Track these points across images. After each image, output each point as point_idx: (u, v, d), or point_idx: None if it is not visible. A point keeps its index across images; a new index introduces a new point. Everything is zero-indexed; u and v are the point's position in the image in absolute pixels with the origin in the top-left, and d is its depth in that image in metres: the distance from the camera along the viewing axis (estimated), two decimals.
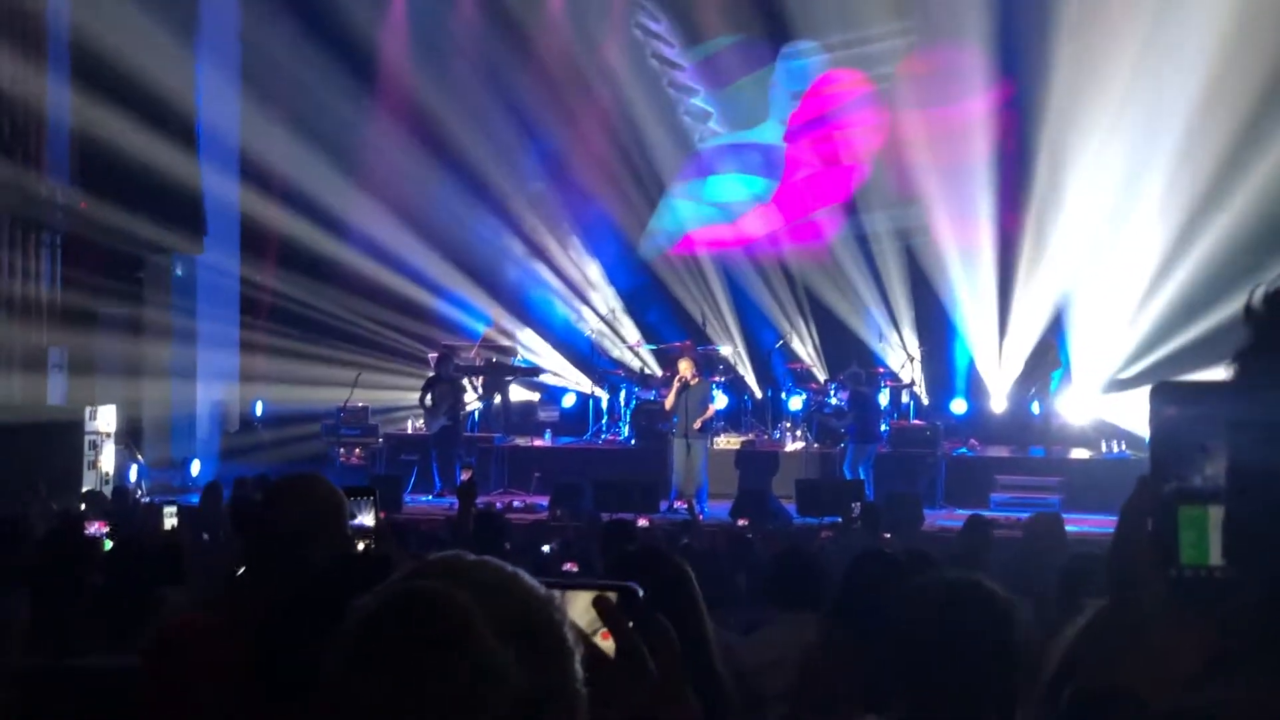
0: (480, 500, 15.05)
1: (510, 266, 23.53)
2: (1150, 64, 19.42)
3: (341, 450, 20.47)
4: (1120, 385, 19.78)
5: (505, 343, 22.67)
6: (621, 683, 1.79)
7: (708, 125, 23.56)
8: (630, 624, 1.82)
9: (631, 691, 1.79)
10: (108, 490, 17.28)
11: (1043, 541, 9.76)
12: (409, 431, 21.40)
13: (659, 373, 21.70)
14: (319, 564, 3.32)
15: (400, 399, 21.79)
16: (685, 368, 17.74)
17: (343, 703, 1.62)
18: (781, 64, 23.14)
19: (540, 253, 23.47)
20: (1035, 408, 20.11)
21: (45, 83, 19.49)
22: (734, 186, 23.45)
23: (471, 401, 20.81)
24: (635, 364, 22.49)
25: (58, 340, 19.75)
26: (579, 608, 1.82)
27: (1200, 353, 18.68)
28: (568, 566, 9.83)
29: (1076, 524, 11.70)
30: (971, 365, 21.41)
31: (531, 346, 23.10)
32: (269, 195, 22.42)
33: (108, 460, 18.30)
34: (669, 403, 17.93)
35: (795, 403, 20.58)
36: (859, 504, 13.87)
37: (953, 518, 16.96)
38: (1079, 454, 19.15)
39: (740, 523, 15.03)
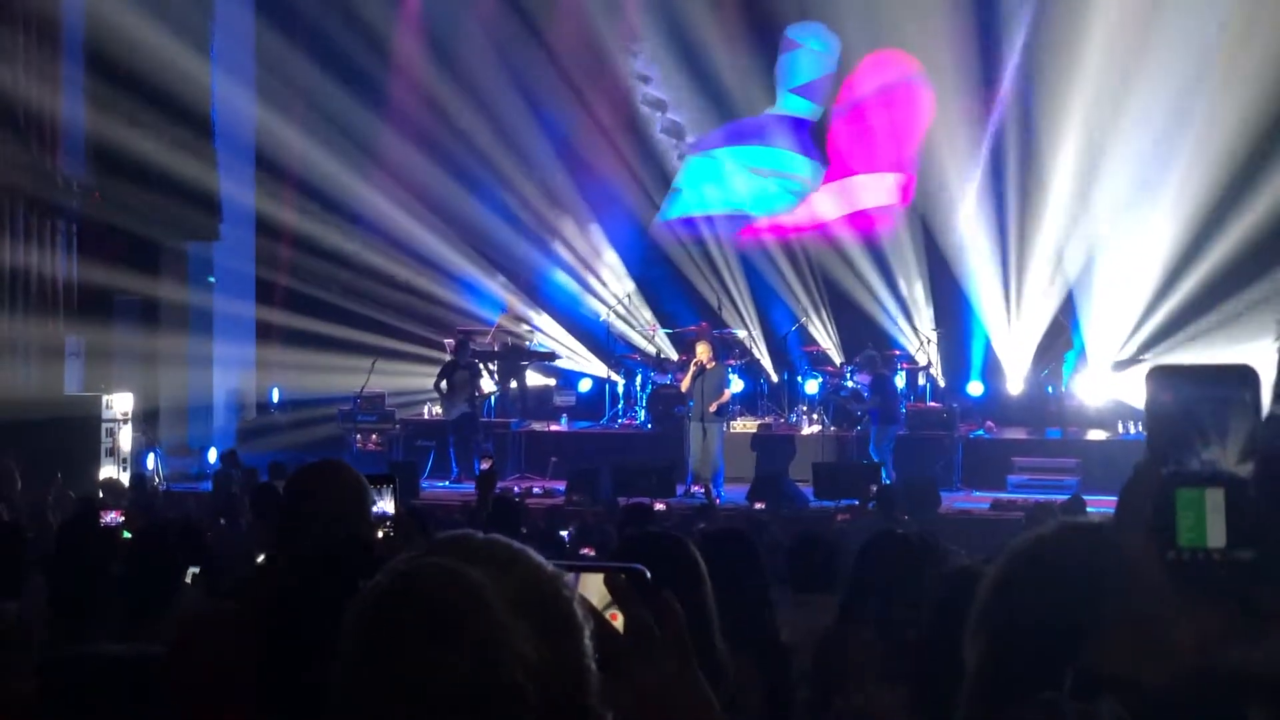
0: (497, 485, 15.13)
1: (525, 252, 23.52)
2: (1173, 43, 19.36)
3: (358, 436, 20.53)
4: (1137, 365, 19.75)
5: (521, 328, 22.70)
6: (630, 658, 1.82)
7: (685, 142, 23.61)
8: (638, 601, 1.86)
9: (640, 666, 1.83)
10: (125, 477, 17.38)
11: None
12: (425, 417, 21.44)
13: (675, 357, 21.70)
14: (342, 550, 3.37)
15: (416, 385, 21.82)
16: (702, 351, 17.75)
17: (359, 678, 1.65)
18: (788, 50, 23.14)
19: (555, 238, 23.46)
20: (1051, 389, 20.10)
21: (60, 71, 19.55)
22: (786, 160, 23.38)
23: (489, 387, 20.83)
24: (651, 348, 22.49)
25: (74, 328, 19.83)
26: (590, 589, 1.86)
27: (1216, 333, 18.71)
28: (585, 551, 9.87)
29: (1096, 505, 11.69)
30: (988, 347, 21.38)
31: (547, 331, 23.12)
32: (284, 182, 22.47)
33: (125, 447, 18.37)
34: (684, 386, 17.95)
35: (812, 386, 20.56)
36: (875, 487, 13.93)
37: (970, 499, 17.02)
38: (1096, 435, 19.14)
39: (757, 506, 15.09)
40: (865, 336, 20.53)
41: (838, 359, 21.45)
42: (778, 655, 4.60)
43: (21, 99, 19.12)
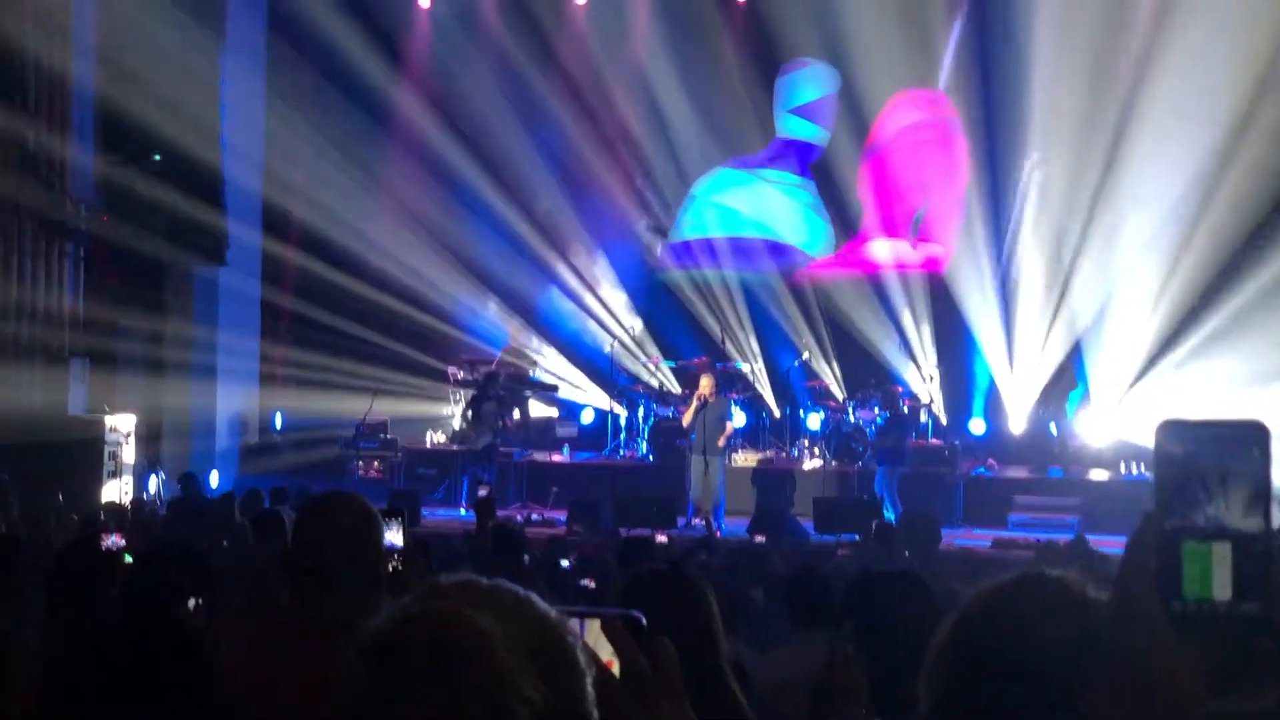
0: (498, 514, 15.12)
1: (530, 283, 23.54)
2: (1173, 82, 19.45)
3: (360, 463, 20.54)
4: (1140, 407, 19.76)
5: (524, 358, 22.72)
6: (626, 703, 1.84)
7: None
8: (634, 647, 1.89)
9: (635, 711, 1.84)
10: (127, 500, 17.37)
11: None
12: (427, 446, 21.46)
13: (677, 390, 21.73)
14: (353, 582, 3.38)
15: (418, 412, 21.87)
16: (705, 385, 17.78)
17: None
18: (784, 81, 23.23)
19: (560, 269, 23.49)
20: (1054, 429, 20.10)
21: (70, 95, 19.61)
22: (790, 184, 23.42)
23: (514, 420, 20.87)
24: (654, 381, 22.51)
25: (79, 350, 19.85)
26: (593, 634, 1.88)
27: (1221, 376, 18.71)
28: (585, 582, 9.86)
29: (1097, 544, 11.68)
30: (991, 385, 21.39)
31: (550, 362, 23.13)
32: (291, 209, 22.52)
33: (127, 471, 18.38)
34: (687, 419, 17.95)
35: (814, 421, 20.59)
36: (876, 522, 13.89)
37: (971, 537, 16.98)
38: (1098, 475, 19.12)
39: (758, 539, 15.07)
40: (867, 372, 20.56)
41: (840, 394, 21.45)
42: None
43: (32, 122, 19.19)
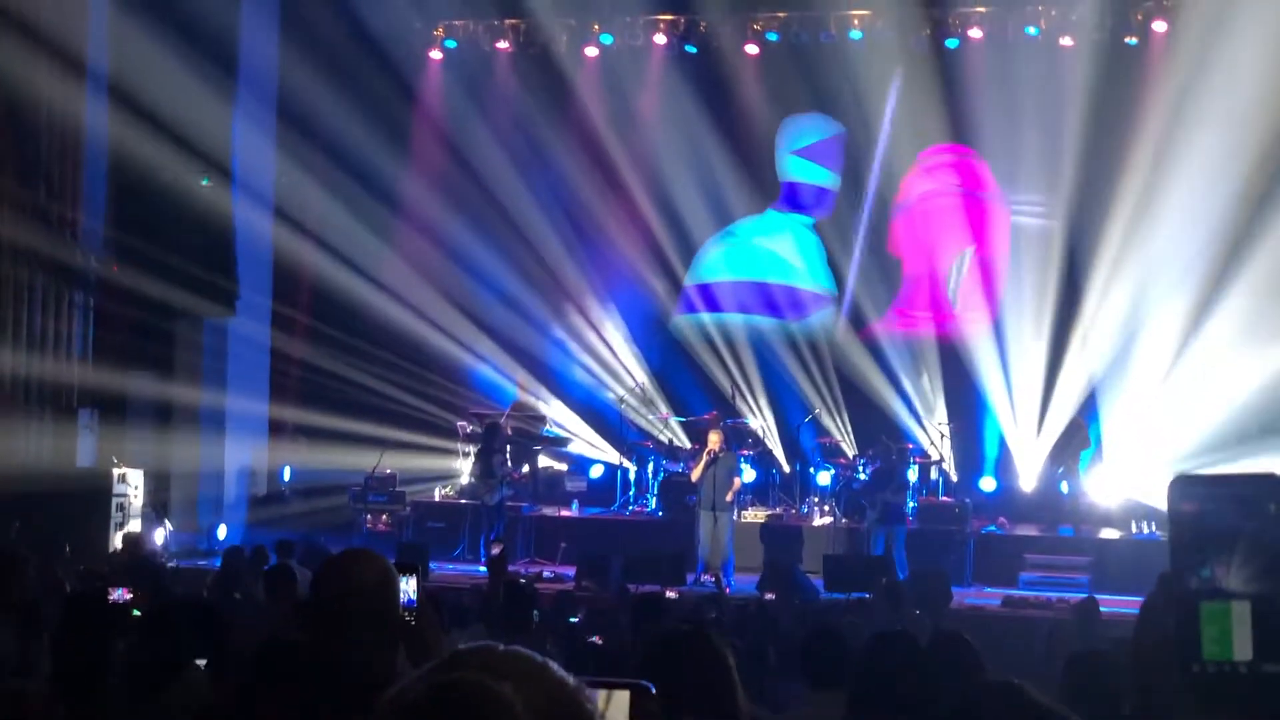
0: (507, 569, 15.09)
1: (539, 338, 23.56)
2: (1186, 141, 19.57)
3: (369, 517, 20.54)
4: (1152, 466, 19.72)
5: (533, 412, 22.71)
6: None
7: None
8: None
9: None
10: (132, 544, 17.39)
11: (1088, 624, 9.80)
12: (436, 499, 21.45)
13: (687, 445, 21.70)
14: (373, 638, 3.39)
15: (428, 466, 21.85)
16: (714, 440, 17.80)
17: None
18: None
19: (570, 324, 23.51)
20: (1064, 487, 20.03)
21: (83, 148, 19.73)
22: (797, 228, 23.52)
23: (524, 473, 20.84)
24: (664, 436, 22.50)
25: (88, 401, 19.89)
26: (610, 702, 1.91)
27: (1231, 435, 18.68)
28: (594, 639, 9.83)
29: (1108, 605, 11.67)
30: (1002, 443, 21.35)
31: (559, 417, 23.13)
32: (302, 260, 22.59)
33: (135, 525, 18.36)
34: (695, 475, 17.96)
35: (824, 478, 20.56)
36: (885, 580, 13.86)
37: (981, 596, 16.94)
38: (1108, 534, 19.06)
39: (768, 596, 15.02)
40: (878, 429, 20.51)
41: (850, 451, 21.41)
42: None
43: (44, 173, 19.31)
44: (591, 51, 23.23)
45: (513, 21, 23.33)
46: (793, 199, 23.41)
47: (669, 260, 23.39)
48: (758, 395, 22.61)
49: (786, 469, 21.83)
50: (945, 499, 20.04)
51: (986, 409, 21.41)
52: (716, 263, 23.59)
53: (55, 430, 19.25)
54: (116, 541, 17.71)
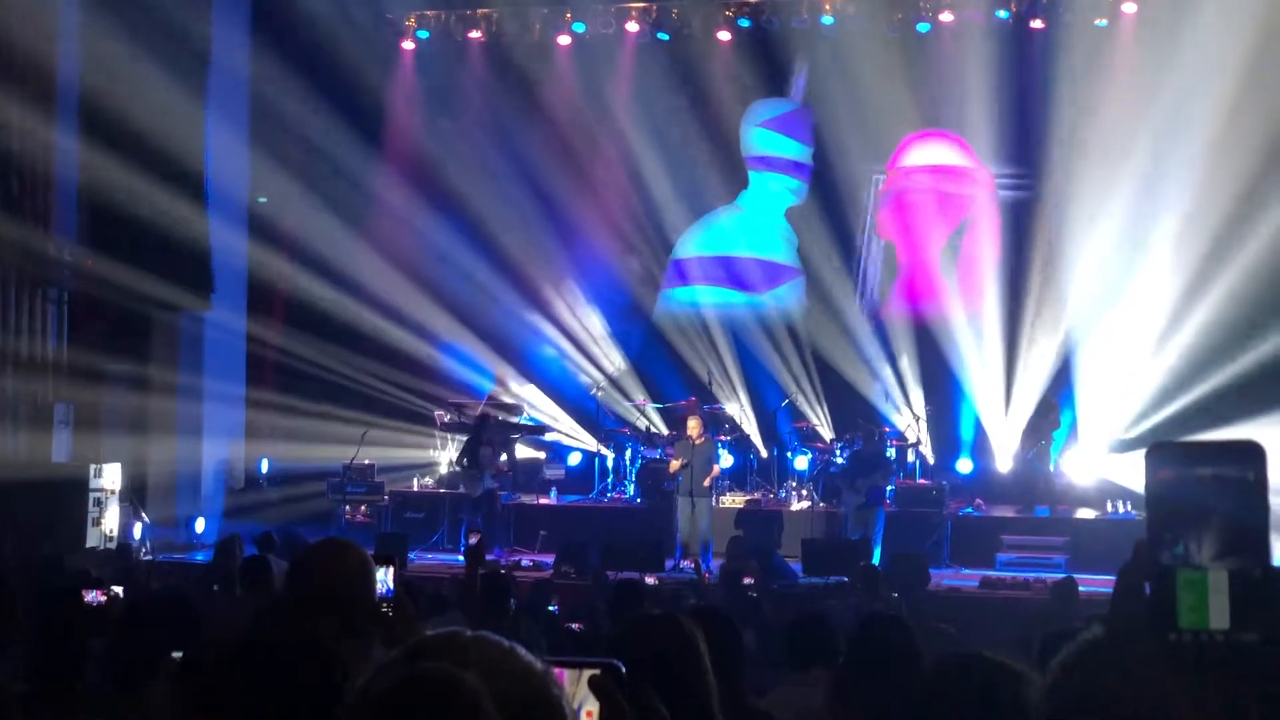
0: (486, 556, 15.08)
1: (516, 325, 23.51)
2: (1156, 121, 19.64)
3: (347, 508, 20.46)
4: (1126, 445, 19.81)
5: (511, 400, 22.67)
6: None
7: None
8: (617, 698, 1.89)
9: None
10: (111, 548, 17.33)
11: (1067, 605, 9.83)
12: (414, 489, 21.40)
13: (664, 431, 21.70)
14: (346, 630, 3.37)
15: (406, 456, 21.82)
16: (693, 426, 17.82)
17: None
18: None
19: (547, 310, 23.47)
20: (1039, 467, 20.04)
21: (54, 140, 19.62)
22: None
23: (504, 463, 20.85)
24: (641, 422, 22.48)
25: (64, 396, 19.79)
26: (571, 683, 1.89)
27: (1205, 412, 18.74)
28: (573, 626, 9.84)
29: (1085, 584, 11.69)
30: (978, 425, 21.39)
31: (537, 404, 23.09)
32: (277, 252, 22.51)
33: (112, 519, 18.28)
34: (674, 467, 18.01)
35: (801, 462, 20.57)
36: (862, 564, 13.90)
37: (959, 577, 16.98)
38: (1084, 514, 19.11)
39: (746, 580, 15.00)
40: (855, 412, 20.51)
41: (828, 435, 21.43)
42: None
43: (15, 169, 19.20)
44: (564, 40, 23.17)
45: (485, 11, 23.26)
46: (763, 175, 23.36)
47: (644, 247, 23.36)
48: (734, 381, 22.61)
49: (764, 454, 21.84)
50: (923, 481, 20.09)
51: (962, 391, 21.43)
52: (692, 239, 23.58)
53: (30, 426, 19.16)
54: (93, 539, 17.65)
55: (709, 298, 23.30)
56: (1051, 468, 19.87)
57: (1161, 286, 19.88)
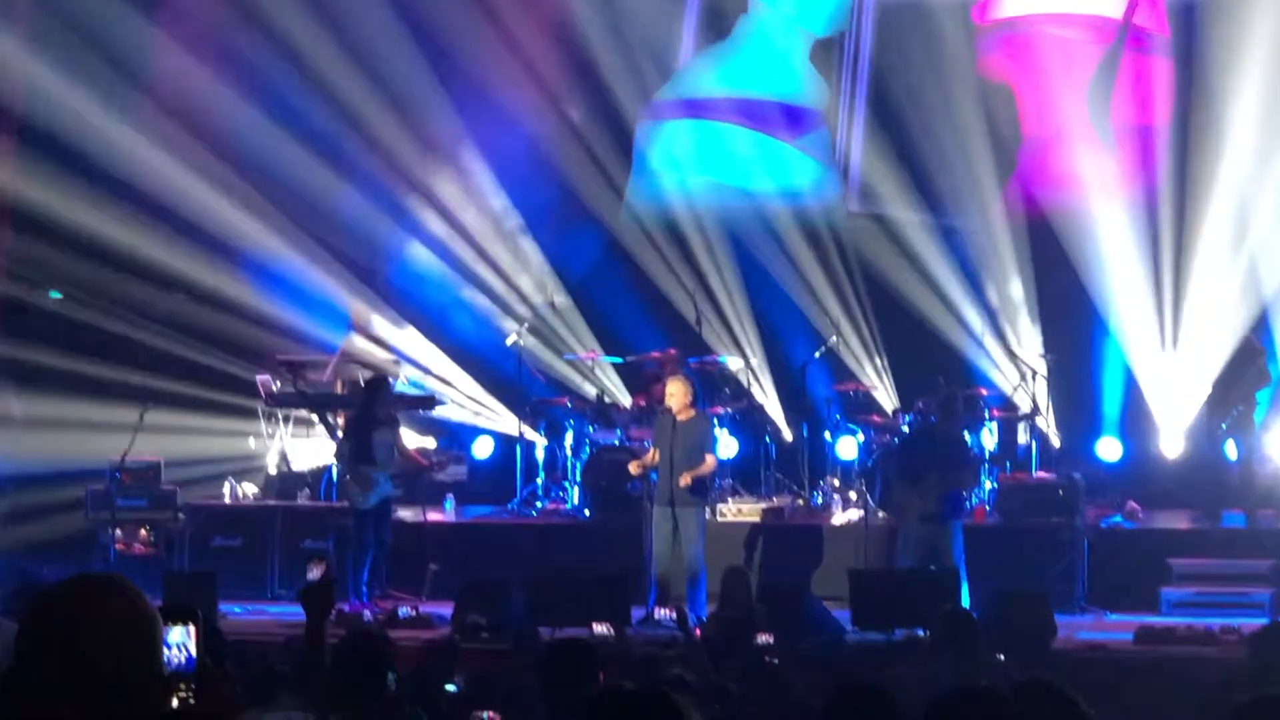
0: (338, 607, 15.06)
1: (389, 239, 23.47)
2: None
3: (118, 532, 20.39)
4: None
5: (379, 358, 22.65)
6: None
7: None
8: None
9: None
10: None
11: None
12: (226, 501, 21.33)
13: (626, 402, 21.70)
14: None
15: (212, 449, 21.79)
16: (673, 393, 17.73)
17: None
18: None
19: (433, 213, 23.41)
20: (1232, 450, 20.07)
21: None
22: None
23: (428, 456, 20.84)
24: (589, 389, 22.48)
25: None
26: None
27: None
28: (485, 716, 9.83)
29: None
30: (1130, 384, 21.46)
31: (421, 362, 23.07)
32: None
33: None
34: (649, 460, 17.97)
35: (847, 447, 20.57)
36: (947, 609, 13.89)
37: (1102, 627, 17.04)
38: None
39: (763, 638, 15.06)
40: (933, 367, 20.53)
41: (889, 404, 21.47)
42: None
43: None
44: None
45: None
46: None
47: (600, 117, 23.39)
48: (740, 318, 22.63)
49: (789, 436, 21.88)
50: (1042, 475, 20.12)
51: (1107, 331, 21.48)
52: (678, 81, 23.69)
53: None
54: None
55: (705, 163, 23.39)
56: (1252, 452, 19.90)
57: None
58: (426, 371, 23.00)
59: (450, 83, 23.20)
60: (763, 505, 20.31)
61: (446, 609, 17.22)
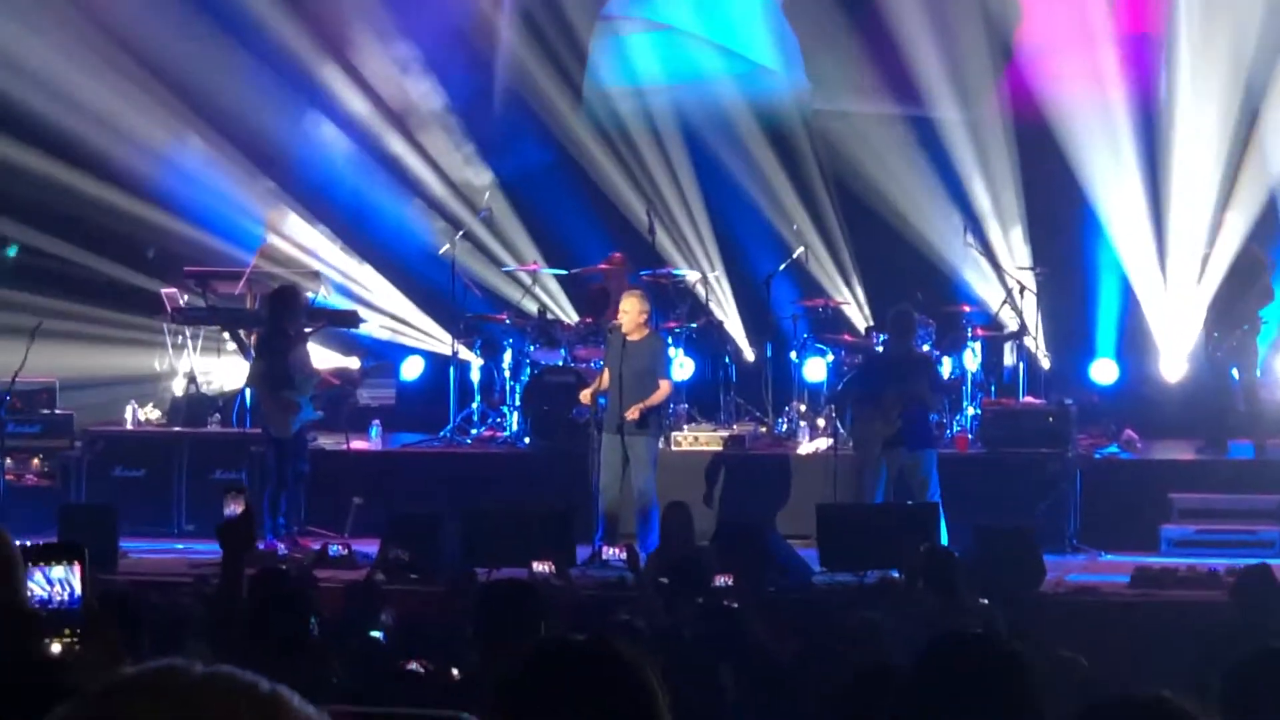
0: (260, 546, 15.07)
1: (304, 133, 23.42)
2: None
3: (8, 461, 20.40)
4: None
5: (295, 269, 22.62)
6: None
7: None
8: None
9: None
10: None
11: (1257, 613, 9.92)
12: (129, 427, 21.32)
13: (571, 319, 21.72)
14: None
15: (113, 368, 21.76)
16: (627, 308, 17.72)
17: None
18: None
19: (351, 103, 23.39)
20: (1236, 373, 20.15)
21: None
22: None
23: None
24: (530, 304, 22.48)
25: None
26: None
27: None
28: (413, 665, 9.84)
29: None
30: (1127, 299, 21.53)
31: (345, 272, 23.05)
32: None
33: None
34: (600, 383, 17.99)
35: (815, 368, 20.61)
36: (925, 547, 13.91)
37: (1095, 569, 17.12)
38: None
39: (721, 580, 15.11)
40: (912, 281, 20.57)
41: (862, 322, 21.52)
42: None
43: None
44: None
45: None
46: None
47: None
48: (695, 225, 22.64)
49: (750, 356, 21.93)
50: (1030, 400, 20.20)
51: (1103, 239, 21.53)
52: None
53: None
54: None
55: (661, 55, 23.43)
56: (1259, 374, 19.98)
57: None
58: (349, 283, 22.97)
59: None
60: (722, 433, 20.37)
61: (371, 547, 17.24)
